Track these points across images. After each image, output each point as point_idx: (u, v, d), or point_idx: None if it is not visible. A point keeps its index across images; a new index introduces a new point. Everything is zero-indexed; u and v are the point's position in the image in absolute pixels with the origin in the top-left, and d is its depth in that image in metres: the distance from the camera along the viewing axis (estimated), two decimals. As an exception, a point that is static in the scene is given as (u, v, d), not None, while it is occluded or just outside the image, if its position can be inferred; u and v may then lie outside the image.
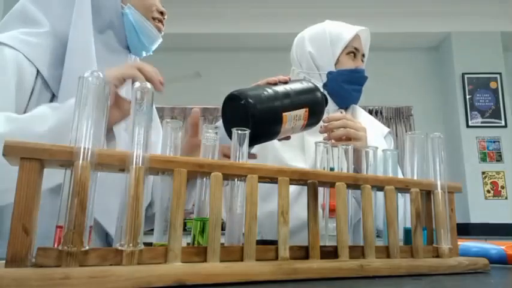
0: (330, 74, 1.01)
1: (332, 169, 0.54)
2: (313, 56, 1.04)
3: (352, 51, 1.02)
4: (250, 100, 0.63)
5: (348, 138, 0.83)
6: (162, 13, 0.83)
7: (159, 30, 0.83)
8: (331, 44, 1.02)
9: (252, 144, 0.68)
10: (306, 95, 0.71)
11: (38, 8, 0.73)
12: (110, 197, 0.62)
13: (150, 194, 0.82)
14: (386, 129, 1.09)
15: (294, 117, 0.68)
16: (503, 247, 0.62)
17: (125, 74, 0.64)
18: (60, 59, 0.70)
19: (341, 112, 1.02)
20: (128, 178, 0.36)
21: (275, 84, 0.71)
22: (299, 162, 0.96)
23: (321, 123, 0.84)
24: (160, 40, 0.85)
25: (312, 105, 0.71)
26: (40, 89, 0.69)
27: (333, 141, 0.83)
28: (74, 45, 0.70)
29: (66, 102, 0.62)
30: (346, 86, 1.00)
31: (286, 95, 0.68)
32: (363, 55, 1.06)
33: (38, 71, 0.69)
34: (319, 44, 1.04)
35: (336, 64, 1.02)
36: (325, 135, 0.86)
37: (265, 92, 0.66)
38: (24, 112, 0.65)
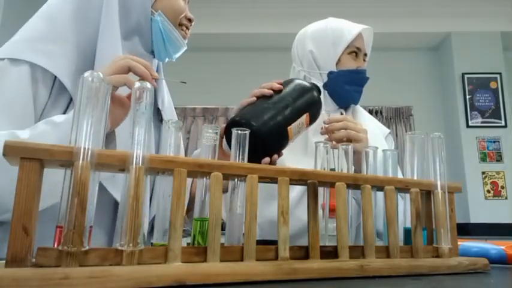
0: (330, 73, 1.00)
1: (333, 169, 0.54)
2: (314, 55, 1.03)
3: (354, 51, 1.01)
4: (255, 125, 0.63)
5: (349, 140, 0.83)
6: (190, 20, 0.83)
7: (185, 38, 0.83)
8: (333, 43, 1.01)
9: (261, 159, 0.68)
10: (303, 99, 0.71)
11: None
12: None
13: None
14: (387, 130, 1.09)
15: (297, 127, 0.69)
16: (503, 247, 0.62)
17: (114, 81, 0.61)
18: (85, 69, 0.67)
19: (341, 113, 1.02)
20: (128, 178, 0.36)
21: (271, 96, 0.71)
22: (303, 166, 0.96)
23: (322, 124, 0.85)
24: (184, 48, 0.84)
25: (311, 108, 0.72)
26: (56, 96, 0.68)
27: (333, 142, 0.83)
28: (102, 55, 0.69)
29: (65, 118, 0.61)
30: (346, 86, 0.99)
31: (286, 106, 0.68)
32: (365, 54, 1.05)
33: (55, 77, 0.67)
34: (321, 42, 1.03)
35: (337, 64, 1.01)
36: (327, 136, 0.86)
37: (267, 112, 0.66)
38: (40, 119, 0.65)
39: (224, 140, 0.73)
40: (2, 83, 0.64)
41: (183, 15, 0.80)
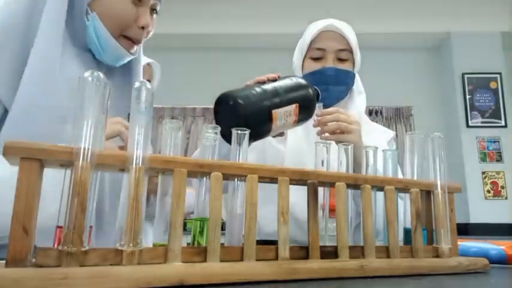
0: None
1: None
2: (294, 65, 1.08)
3: (315, 54, 1.00)
4: (240, 101, 0.64)
5: (342, 132, 0.83)
6: (143, 27, 0.69)
7: (130, 48, 0.70)
8: (300, 50, 1.05)
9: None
10: (295, 92, 0.72)
11: None
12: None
13: None
14: (390, 135, 1.08)
15: (284, 114, 0.68)
16: (503, 247, 0.62)
17: (109, 134, 0.59)
18: (20, 72, 0.60)
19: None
20: (128, 178, 0.36)
21: (264, 82, 0.71)
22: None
23: (314, 117, 0.84)
24: (130, 57, 0.72)
25: (301, 101, 0.72)
26: None
27: (326, 134, 0.84)
28: (38, 51, 0.60)
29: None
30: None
31: (275, 92, 0.68)
32: (341, 50, 0.99)
33: None
34: (296, 51, 1.08)
35: (302, 70, 1.04)
36: (319, 128, 0.87)
37: (254, 91, 0.66)
38: None
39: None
40: None
41: (128, 23, 0.66)
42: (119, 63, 0.73)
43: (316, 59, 1.01)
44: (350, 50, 1.00)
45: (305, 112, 0.73)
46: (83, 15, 0.66)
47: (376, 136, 1.01)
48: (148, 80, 1.59)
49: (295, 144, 0.99)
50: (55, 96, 0.62)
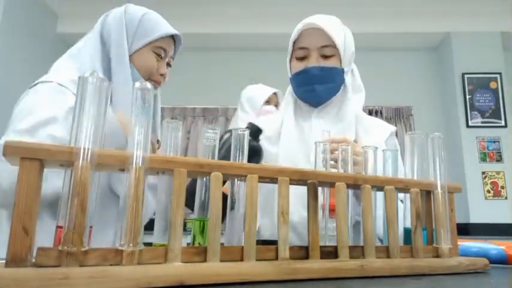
0: (289, 81, 1.04)
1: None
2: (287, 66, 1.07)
3: (298, 54, 0.99)
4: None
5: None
6: (161, 74, 0.98)
7: (154, 87, 0.96)
8: (288, 51, 1.04)
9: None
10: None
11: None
12: None
13: None
14: (388, 131, 1.04)
15: None
16: (503, 247, 0.62)
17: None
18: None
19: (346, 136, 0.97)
20: (127, 178, 0.36)
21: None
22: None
23: (314, 119, 0.85)
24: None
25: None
26: None
27: (332, 162, 0.81)
28: (117, 85, 0.89)
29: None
30: (298, 89, 1.01)
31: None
32: (325, 47, 0.97)
33: None
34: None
35: (290, 71, 1.02)
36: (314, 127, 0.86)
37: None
38: None
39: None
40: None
41: (154, 71, 0.96)
42: None
43: (300, 59, 0.99)
44: (334, 45, 0.96)
45: (254, 160, 0.78)
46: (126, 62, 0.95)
47: (376, 135, 0.99)
48: None
49: (288, 146, 0.98)
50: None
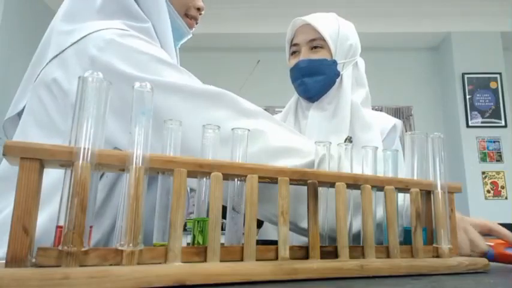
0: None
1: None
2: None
3: (293, 51, 1.03)
4: None
5: None
6: (199, 9, 0.88)
7: (191, 26, 0.87)
8: (286, 52, 1.07)
9: None
10: None
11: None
12: None
13: None
14: (388, 126, 1.02)
15: None
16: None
17: None
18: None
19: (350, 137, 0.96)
20: (127, 178, 0.36)
21: None
22: None
23: (323, 124, 0.87)
24: (189, 36, 0.89)
25: None
26: None
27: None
28: (164, 39, 0.79)
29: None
30: (293, 84, 1.04)
31: None
32: (313, 40, 0.98)
33: None
34: None
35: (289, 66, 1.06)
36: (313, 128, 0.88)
37: None
38: None
39: None
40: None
41: (190, 5, 0.86)
42: (180, 42, 0.89)
43: (293, 55, 1.03)
44: (322, 38, 0.97)
45: None
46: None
47: (373, 132, 0.96)
48: None
49: None
50: None
